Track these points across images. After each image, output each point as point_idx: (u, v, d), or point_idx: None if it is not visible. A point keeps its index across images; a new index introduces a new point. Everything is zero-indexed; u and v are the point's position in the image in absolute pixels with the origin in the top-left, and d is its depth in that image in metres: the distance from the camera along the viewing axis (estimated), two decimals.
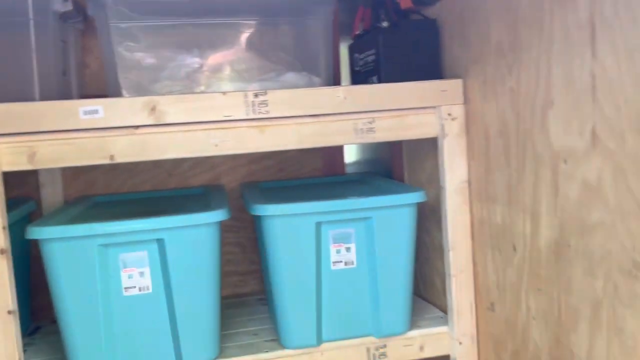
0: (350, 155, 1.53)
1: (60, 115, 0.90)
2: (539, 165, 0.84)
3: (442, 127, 1.04)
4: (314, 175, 1.47)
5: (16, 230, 0.99)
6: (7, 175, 0.87)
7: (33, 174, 1.28)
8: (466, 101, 1.04)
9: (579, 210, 0.76)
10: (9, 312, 0.89)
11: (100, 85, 1.25)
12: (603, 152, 0.70)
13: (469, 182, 1.06)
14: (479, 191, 1.03)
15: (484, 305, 1.05)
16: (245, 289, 1.41)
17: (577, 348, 0.78)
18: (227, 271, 1.40)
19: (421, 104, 1.03)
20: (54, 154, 0.92)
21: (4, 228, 0.89)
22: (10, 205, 1.17)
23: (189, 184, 1.38)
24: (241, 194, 1.30)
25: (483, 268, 1.04)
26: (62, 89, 1.09)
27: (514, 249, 0.93)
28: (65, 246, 0.90)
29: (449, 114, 1.04)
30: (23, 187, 1.28)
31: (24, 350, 1.10)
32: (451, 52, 1.07)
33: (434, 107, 1.04)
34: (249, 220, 1.41)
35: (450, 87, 1.04)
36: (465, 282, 1.07)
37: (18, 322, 0.90)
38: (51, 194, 1.27)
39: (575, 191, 0.76)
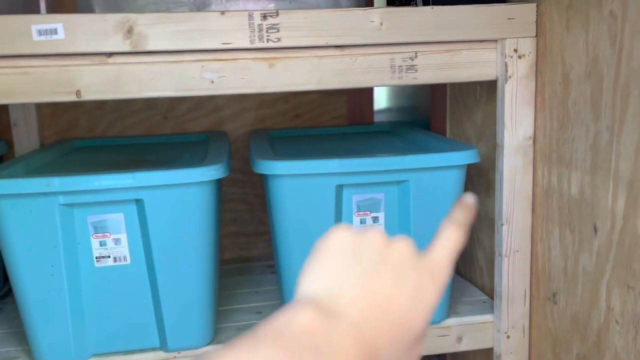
0: (380, 101, 1.29)
1: (8, 35, 0.69)
2: None
3: (505, 66, 0.80)
4: (337, 124, 1.24)
5: None
6: None
7: (4, 110, 1.08)
8: (539, 33, 0.80)
9: None
10: None
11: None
12: None
13: (535, 140, 0.83)
14: (548, 152, 0.80)
15: (542, 294, 0.85)
16: (253, 252, 1.23)
17: None
18: (232, 232, 1.21)
19: (479, 35, 0.79)
20: (5, 85, 0.71)
21: None
22: None
23: (187, 129, 1.17)
24: (248, 143, 1.09)
25: (546, 249, 0.83)
26: (20, 3, 0.87)
27: (595, 229, 0.71)
28: (16, 204, 0.71)
29: (515, 50, 0.80)
30: None
31: None
32: None
33: (495, 41, 0.80)
34: (258, 174, 1.20)
35: (518, 14, 0.79)
36: (520, 265, 0.86)
37: None
38: (25, 135, 1.08)
39: None
